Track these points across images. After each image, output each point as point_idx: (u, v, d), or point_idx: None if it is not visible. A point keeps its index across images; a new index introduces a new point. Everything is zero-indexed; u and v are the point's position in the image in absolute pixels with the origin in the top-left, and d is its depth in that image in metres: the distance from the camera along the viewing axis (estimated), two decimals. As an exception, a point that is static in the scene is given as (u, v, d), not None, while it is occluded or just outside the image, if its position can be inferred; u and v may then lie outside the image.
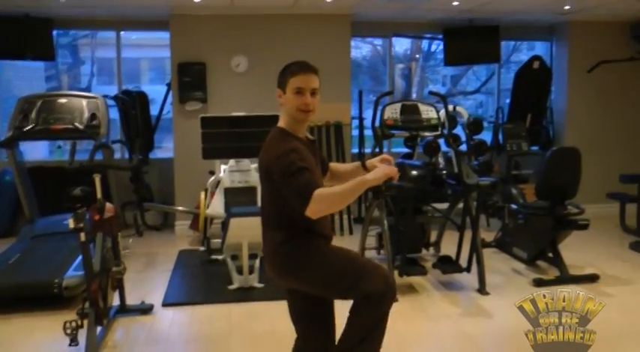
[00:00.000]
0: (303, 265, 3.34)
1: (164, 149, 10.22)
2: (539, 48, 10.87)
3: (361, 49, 12.59)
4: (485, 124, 8.11)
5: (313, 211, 3.09)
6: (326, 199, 3.09)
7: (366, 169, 3.56)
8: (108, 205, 5.48)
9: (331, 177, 3.81)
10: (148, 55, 12.63)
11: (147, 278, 7.03)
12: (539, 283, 6.60)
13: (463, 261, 6.64)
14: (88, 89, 11.16)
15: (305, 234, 3.33)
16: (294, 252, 3.33)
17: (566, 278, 6.63)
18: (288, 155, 3.15)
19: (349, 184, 3.14)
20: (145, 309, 5.87)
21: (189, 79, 8.85)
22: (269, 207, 3.42)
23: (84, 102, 7.88)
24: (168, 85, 9.22)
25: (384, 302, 3.32)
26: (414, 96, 12.10)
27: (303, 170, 3.13)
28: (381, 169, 3.20)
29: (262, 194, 3.48)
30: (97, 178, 5.34)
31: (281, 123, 3.38)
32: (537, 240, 7.20)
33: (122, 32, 9.55)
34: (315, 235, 3.36)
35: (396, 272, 6.35)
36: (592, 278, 6.79)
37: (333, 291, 3.40)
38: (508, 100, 10.22)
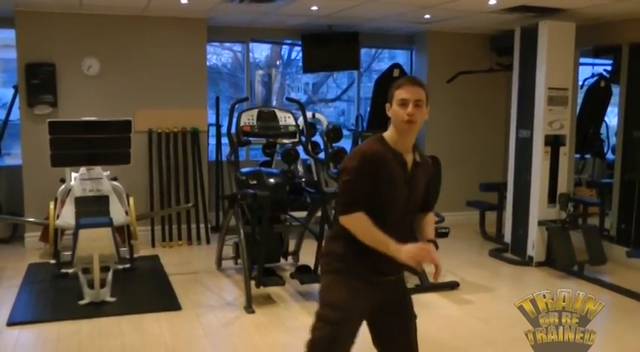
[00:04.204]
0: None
1: (13, 156, 9.67)
2: (402, 56, 10.94)
3: (221, 55, 12.42)
4: (344, 132, 8.09)
5: (345, 222, 3.20)
6: (359, 227, 3.16)
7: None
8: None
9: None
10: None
11: (-9, 295, 6.63)
12: (397, 291, 6.60)
13: (322, 271, 6.54)
14: None
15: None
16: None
17: (426, 287, 6.65)
18: (353, 160, 3.26)
19: (383, 239, 3.10)
20: (-13, 330, 5.52)
21: (38, 81, 8.30)
22: None
23: None
24: (16, 88, 8.70)
25: None
26: (274, 103, 12.06)
27: (347, 182, 3.21)
28: (415, 254, 3.09)
29: None
30: None
31: (384, 133, 3.39)
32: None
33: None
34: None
35: (253, 283, 6.22)
36: (452, 286, 6.89)
37: None
38: (369, 108, 10.23)
